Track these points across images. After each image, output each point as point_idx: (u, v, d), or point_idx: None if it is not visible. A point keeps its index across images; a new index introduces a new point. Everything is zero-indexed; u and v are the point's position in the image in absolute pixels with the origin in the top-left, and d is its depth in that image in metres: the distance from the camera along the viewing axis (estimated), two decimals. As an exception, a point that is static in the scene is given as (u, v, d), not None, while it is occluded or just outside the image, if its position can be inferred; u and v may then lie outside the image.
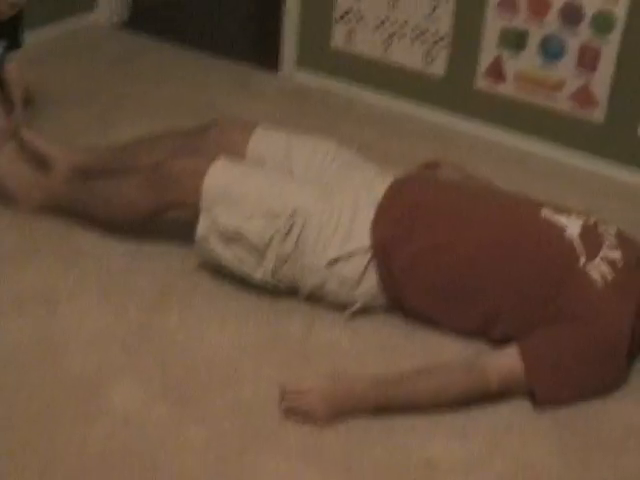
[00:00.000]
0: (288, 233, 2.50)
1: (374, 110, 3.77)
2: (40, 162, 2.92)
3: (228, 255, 2.55)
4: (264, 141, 2.80)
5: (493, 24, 3.50)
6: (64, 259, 2.69)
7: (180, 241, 2.77)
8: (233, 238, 2.52)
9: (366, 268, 2.51)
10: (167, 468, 2.02)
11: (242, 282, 2.60)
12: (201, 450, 2.08)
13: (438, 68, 3.70)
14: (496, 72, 3.56)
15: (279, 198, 2.52)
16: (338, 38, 3.84)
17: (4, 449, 2.02)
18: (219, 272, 2.64)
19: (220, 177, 2.58)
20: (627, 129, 3.39)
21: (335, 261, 2.50)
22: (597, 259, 2.42)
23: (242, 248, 2.53)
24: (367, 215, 2.53)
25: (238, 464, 2.05)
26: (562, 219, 2.51)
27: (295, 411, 2.18)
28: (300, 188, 2.58)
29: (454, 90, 3.70)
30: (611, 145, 3.44)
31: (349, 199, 2.55)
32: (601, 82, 3.37)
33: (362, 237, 2.50)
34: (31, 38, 3.71)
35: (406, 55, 3.72)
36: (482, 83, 3.61)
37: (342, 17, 3.79)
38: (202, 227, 2.56)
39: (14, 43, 3.24)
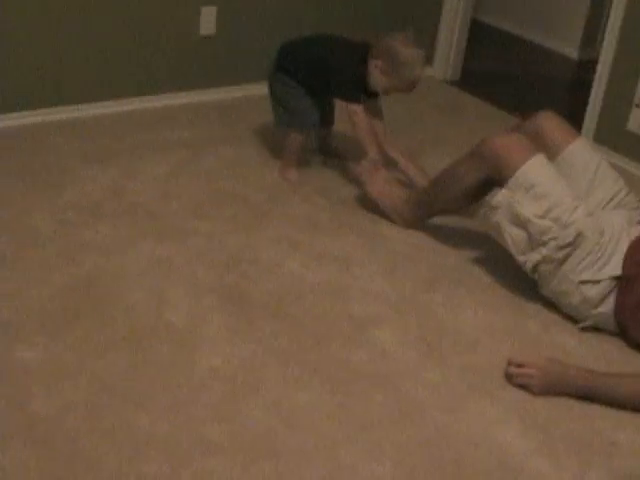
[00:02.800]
0: (564, 246, 2.96)
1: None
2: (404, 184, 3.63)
3: (507, 231, 3.03)
4: (582, 153, 3.21)
5: None
6: (365, 235, 3.39)
7: (452, 241, 3.41)
8: (519, 224, 3.00)
9: (608, 295, 2.96)
10: (404, 393, 2.60)
11: (499, 279, 3.18)
12: (433, 387, 2.65)
13: None
14: None
15: (572, 213, 2.94)
16: (635, 121, 4.31)
17: (287, 349, 2.71)
18: (478, 269, 3.24)
19: (536, 171, 3.02)
20: None
21: (587, 282, 2.97)
22: None
23: (521, 233, 3.00)
24: (621, 253, 2.97)
25: (460, 403, 2.60)
26: None
27: (516, 378, 2.70)
28: (590, 216, 2.99)
29: None
30: None
31: (615, 235, 2.98)
32: None
33: (614, 269, 2.94)
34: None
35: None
36: None
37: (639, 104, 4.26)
38: (498, 200, 3.03)
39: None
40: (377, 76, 3.50)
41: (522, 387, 2.69)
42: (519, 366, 2.71)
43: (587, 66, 5.74)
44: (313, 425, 2.42)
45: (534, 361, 2.71)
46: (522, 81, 5.50)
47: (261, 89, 3.92)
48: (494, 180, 3.09)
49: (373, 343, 2.80)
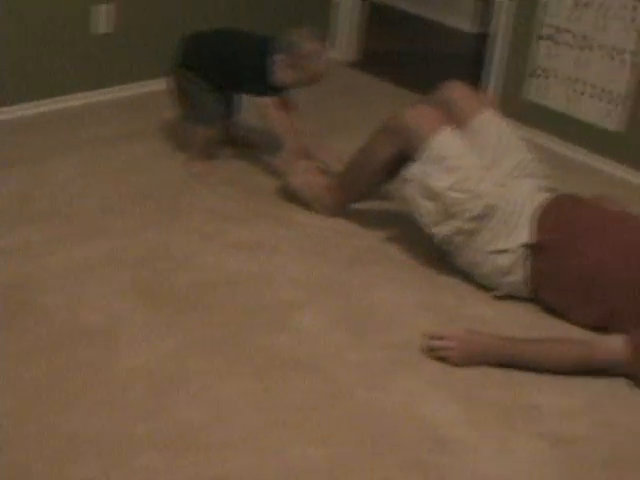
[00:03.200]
0: (475, 217, 3.02)
1: (555, 157, 4.20)
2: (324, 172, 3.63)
3: (419, 203, 3.09)
4: (491, 123, 3.27)
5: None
6: (279, 222, 3.41)
7: (367, 223, 3.45)
8: (431, 197, 3.05)
9: (518, 263, 3.03)
10: (330, 375, 2.63)
11: (415, 257, 3.24)
12: (357, 365, 2.68)
13: (617, 124, 4.16)
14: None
15: (482, 184, 3.02)
16: (528, 90, 4.40)
17: (208, 342, 2.72)
18: (394, 248, 3.29)
19: (446, 143, 3.08)
20: None
21: (497, 251, 3.03)
22: None
23: (433, 205, 3.05)
24: (529, 220, 3.04)
25: (384, 380, 2.64)
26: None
27: (435, 351, 2.75)
28: (500, 186, 3.07)
29: (632, 145, 4.13)
30: None
31: (520, 204, 3.06)
32: None
33: (523, 237, 3.01)
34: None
35: (588, 110, 4.24)
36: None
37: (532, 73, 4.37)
38: (410, 173, 3.09)
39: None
40: (282, 70, 3.52)
41: (443, 359, 2.74)
42: (439, 339, 2.76)
43: (482, 39, 5.84)
44: (240, 414, 2.44)
45: (453, 333, 2.77)
46: (422, 58, 5.57)
47: (165, 84, 3.91)
48: (408, 154, 3.13)
49: (295, 328, 2.82)
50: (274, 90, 3.59)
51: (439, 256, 3.21)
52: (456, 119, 3.21)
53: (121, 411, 2.39)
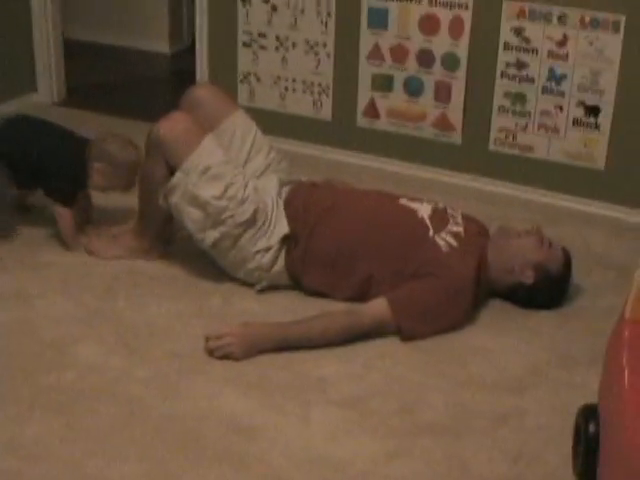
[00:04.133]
0: (242, 223, 3.14)
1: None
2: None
3: (185, 211, 3.16)
4: (241, 124, 3.42)
5: (365, 72, 4.30)
6: (31, 268, 3.39)
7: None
8: (198, 204, 3.13)
9: (277, 256, 3.22)
10: (124, 397, 2.69)
11: (172, 270, 3.35)
12: (147, 382, 2.75)
13: (326, 113, 4.48)
14: (372, 111, 4.35)
15: (245, 190, 3.14)
16: (242, 96, 4.61)
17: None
18: (150, 268, 3.38)
19: (208, 153, 3.15)
20: (480, 146, 4.19)
21: (260, 250, 3.19)
22: (443, 232, 3.18)
23: (199, 213, 3.14)
24: (281, 215, 3.23)
25: (177, 390, 2.73)
26: (415, 204, 3.29)
27: (217, 351, 2.87)
28: (256, 190, 3.21)
29: (340, 130, 4.46)
30: (468, 161, 4.23)
31: (272, 201, 3.24)
32: (455, 110, 4.17)
33: (281, 231, 3.20)
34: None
35: (299, 105, 4.51)
36: (362, 121, 4.40)
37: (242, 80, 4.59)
38: (173, 183, 3.14)
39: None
40: (97, 178, 3.46)
41: (225, 357, 2.87)
42: (217, 339, 2.88)
43: (181, 57, 6.04)
44: (50, 452, 2.45)
45: (228, 330, 2.90)
46: (126, 86, 5.64)
47: None
48: (175, 165, 3.18)
49: (77, 361, 2.85)
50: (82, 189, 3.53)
51: (197, 264, 3.34)
52: (206, 120, 3.30)
53: None
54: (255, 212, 3.16)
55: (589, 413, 2.33)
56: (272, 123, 4.12)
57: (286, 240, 3.21)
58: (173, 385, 2.75)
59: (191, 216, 3.18)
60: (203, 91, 3.50)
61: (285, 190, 3.34)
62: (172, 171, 3.19)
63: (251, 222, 3.17)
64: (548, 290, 3.22)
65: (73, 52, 5.54)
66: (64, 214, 3.47)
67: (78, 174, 3.46)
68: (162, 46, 6.28)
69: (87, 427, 2.55)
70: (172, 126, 3.20)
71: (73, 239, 3.50)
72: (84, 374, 2.79)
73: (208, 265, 3.33)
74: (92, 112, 4.97)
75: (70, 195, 3.48)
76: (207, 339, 2.90)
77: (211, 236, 3.18)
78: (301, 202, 3.28)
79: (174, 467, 2.41)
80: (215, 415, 2.62)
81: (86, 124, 4.79)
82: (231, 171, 3.19)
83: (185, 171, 3.15)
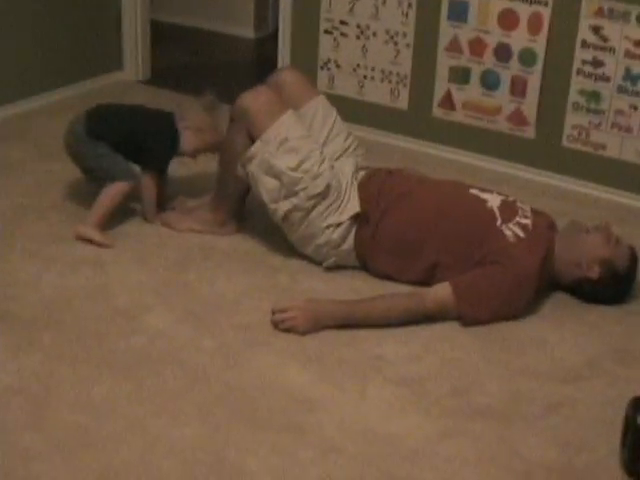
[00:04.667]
0: (314, 196, 3.24)
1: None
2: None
3: (261, 180, 3.27)
4: (321, 109, 3.53)
5: (443, 64, 4.36)
6: (111, 236, 3.52)
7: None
8: (273, 174, 3.24)
9: (348, 234, 3.30)
10: (189, 363, 2.81)
11: (241, 246, 3.46)
12: (212, 352, 2.87)
13: (402, 103, 4.55)
14: (448, 102, 4.41)
15: (320, 166, 3.24)
16: (322, 82, 4.70)
17: (71, 352, 2.84)
18: (220, 243, 3.49)
19: (288, 126, 3.27)
20: (553, 142, 4.22)
21: (331, 225, 3.28)
22: (511, 223, 3.23)
23: (274, 183, 3.25)
24: (355, 195, 3.32)
25: (241, 358, 2.84)
26: (486, 195, 3.34)
27: (282, 324, 2.97)
28: (332, 168, 3.31)
29: (416, 120, 4.53)
30: (542, 156, 4.27)
31: (347, 181, 3.33)
32: (530, 105, 4.21)
33: (351, 209, 3.28)
34: (69, 92, 4.77)
35: (377, 93, 4.59)
36: (438, 112, 4.46)
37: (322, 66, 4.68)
38: (252, 152, 3.26)
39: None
40: (185, 143, 3.59)
41: (289, 330, 2.97)
42: (282, 312, 2.98)
43: (264, 43, 6.16)
44: (117, 411, 2.57)
45: (294, 304, 3.01)
46: (209, 69, 5.78)
47: None
48: (256, 136, 3.29)
49: (147, 327, 2.97)
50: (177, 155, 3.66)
51: (265, 243, 3.46)
52: (289, 101, 3.41)
53: (5, 427, 2.49)
54: (328, 187, 3.25)
55: (639, 404, 2.37)
56: (350, 110, 4.20)
57: (357, 219, 3.29)
58: (237, 355, 2.86)
59: (266, 185, 3.27)
60: (288, 74, 3.60)
61: (361, 174, 3.42)
62: (253, 142, 3.30)
63: (324, 196, 3.25)
64: (613, 286, 3.25)
65: (160, 34, 5.70)
66: (150, 186, 3.60)
67: (168, 142, 3.60)
68: (247, 31, 6.42)
69: (153, 390, 2.67)
70: (256, 97, 3.33)
71: (152, 211, 3.63)
72: (152, 340, 2.91)
73: (277, 242, 3.45)
74: (175, 92, 5.10)
75: (165, 162, 3.64)
76: (273, 312, 3.00)
77: (284, 207, 3.27)
78: (375, 186, 3.36)
79: (234, 433, 2.52)
80: (276, 386, 2.72)
81: (168, 104, 4.95)
82: (308, 146, 3.29)
83: (265, 141, 3.26)
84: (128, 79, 5.30)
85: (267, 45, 5.87)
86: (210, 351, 2.87)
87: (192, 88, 5.10)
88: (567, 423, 2.64)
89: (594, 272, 3.18)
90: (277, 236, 3.44)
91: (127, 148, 3.57)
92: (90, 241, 3.45)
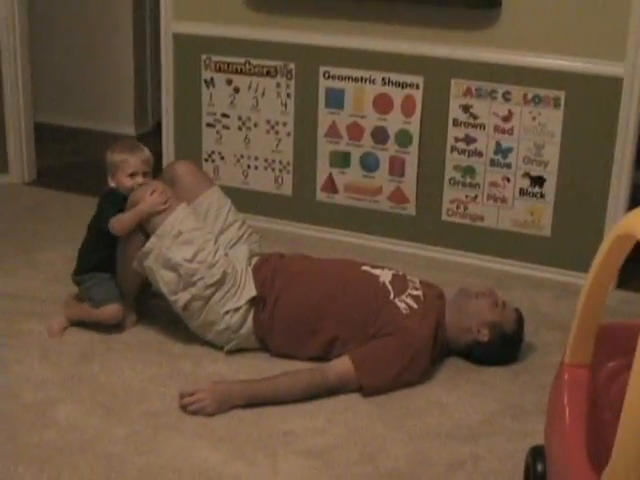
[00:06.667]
0: (211, 285, 3.35)
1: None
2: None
3: (159, 273, 3.37)
4: (216, 200, 3.69)
5: (323, 149, 4.55)
6: (12, 337, 3.55)
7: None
8: (170, 267, 3.35)
9: (245, 318, 3.42)
10: (103, 453, 2.85)
11: (143, 336, 3.52)
12: (124, 440, 2.92)
13: (287, 189, 4.71)
14: (330, 186, 4.59)
15: (215, 255, 3.36)
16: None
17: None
18: (124, 334, 3.56)
19: (182, 219, 3.39)
20: (433, 217, 4.43)
21: (229, 311, 3.39)
22: (403, 296, 3.40)
23: (172, 275, 3.36)
24: (250, 279, 3.45)
25: (153, 444, 2.89)
26: (377, 271, 3.51)
27: (190, 407, 3.05)
28: (226, 255, 3.44)
29: (301, 205, 4.69)
30: (424, 231, 4.47)
31: (242, 267, 3.46)
32: (409, 184, 4.42)
33: (248, 293, 3.40)
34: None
35: (261, 182, 4.74)
36: (321, 196, 4.64)
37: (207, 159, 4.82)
38: (148, 247, 3.36)
39: None
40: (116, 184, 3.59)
41: (198, 412, 3.05)
42: (189, 396, 3.07)
43: (146, 138, 6.25)
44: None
45: (200, 387, 3.10)
46: (95, 167, 5.80)
47: None
48: (151, 232, 3.40)
49: (57, 421, 3.01)
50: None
51: (165, 330, 3.55)
52: (184, 193, 3.56)
53: None
54: (224, 275, 3.37)
55: (537, 453, 2.52)
56: (236, 199, 4.26)
57: (254, 303, 3.41)
58: (149, 441, 2.91)
59: (164, 278, 3.38)
60: (182, 167, 3.75)
61: (255, 259, 3.56)
62: (148, 236, 3.41)
63: (221, 283, 3.37)
64: (502, 348, 3.44)
65: (43, 135, 5.77)
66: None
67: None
68: (128, 128, 6.53)
69: (70, 480, 2.71)
70: (149, 193, 3.43)
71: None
72: (64, 433, 2.94)
73: (178, 331, 3.53)
74: (61, 191, 5.17)
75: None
76: (181, 396, 3.07)
77: (183, 298, 3.37)
78: (270, 269, 3.50)
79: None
80: (189, 467, 2.78)
81: (55, 203, 5.03)
82: (203, 237, 3.42)
83: (159, 235, 3.37)
84: (13, 182, 5.34)
85: (149, 140, 5.96)
86: (122, 439, 2.92)
87: (77, 187, 5.24)
88: (471, 479, 2.77)
89: (484, 335, 3.36)
90: (177, 325, 3.53)
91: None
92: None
